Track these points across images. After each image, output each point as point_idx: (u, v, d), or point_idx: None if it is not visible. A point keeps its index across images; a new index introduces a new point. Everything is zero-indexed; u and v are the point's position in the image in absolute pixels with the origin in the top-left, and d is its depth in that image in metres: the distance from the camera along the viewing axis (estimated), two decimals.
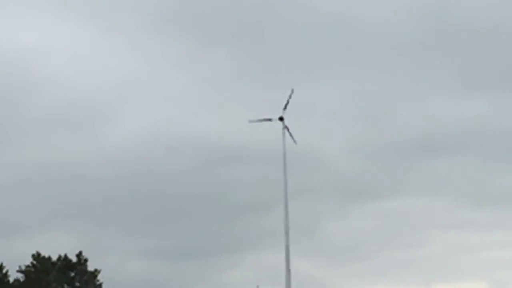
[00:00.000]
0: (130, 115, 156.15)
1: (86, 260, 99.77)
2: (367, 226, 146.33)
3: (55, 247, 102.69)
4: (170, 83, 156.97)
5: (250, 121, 69.91)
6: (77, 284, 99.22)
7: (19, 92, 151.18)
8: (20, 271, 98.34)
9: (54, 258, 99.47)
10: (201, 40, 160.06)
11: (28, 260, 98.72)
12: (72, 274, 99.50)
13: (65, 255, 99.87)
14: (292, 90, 68.49)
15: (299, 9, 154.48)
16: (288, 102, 68.76)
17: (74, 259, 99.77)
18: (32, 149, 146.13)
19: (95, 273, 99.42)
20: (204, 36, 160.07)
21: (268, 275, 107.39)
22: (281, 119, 69.12)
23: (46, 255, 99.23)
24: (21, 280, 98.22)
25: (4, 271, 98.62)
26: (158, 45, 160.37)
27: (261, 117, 70.02)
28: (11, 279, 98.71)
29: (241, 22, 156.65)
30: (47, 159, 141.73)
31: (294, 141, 69.03)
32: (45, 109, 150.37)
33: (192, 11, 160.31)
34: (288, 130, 69.09)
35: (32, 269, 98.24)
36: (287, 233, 65.71)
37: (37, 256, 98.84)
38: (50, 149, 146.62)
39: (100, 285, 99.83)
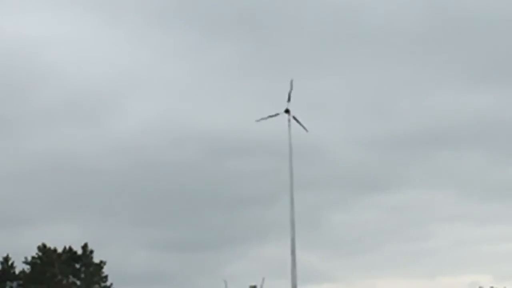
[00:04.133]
0: (135, 106, 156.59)
1: (91, 252, 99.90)
2: (372, 219, 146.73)
3: (61, 239, 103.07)
4: (175, 75, 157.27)
5: (257, 121, 69.60)
6: (83, 275, 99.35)
7: (24, 83, 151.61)
8: (26, 262, 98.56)
9: (60, 249, 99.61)
10: (207, 31, 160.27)
11: (34, 252, 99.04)
12: (78, 265, 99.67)
13: (71, 247, 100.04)
14: (292, 81, 68.31)
15: (305, 1, 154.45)
16: (290, 93, 68.59)
17: (80, 251, 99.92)
18: (37, 141, 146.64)
19: (100, 264, 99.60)
20: (209, 27, 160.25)
21: (273, 267, 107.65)
22: (287, 111, 68.95)
23: (52, 247, 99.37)
24: (27, 271, 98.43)
25: (10, 262, 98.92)
26: (164, 36, 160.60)
27: (267, 114, 69.72)
28: (17, 271, 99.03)
29: (247, 14, 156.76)
30: (52, 151, 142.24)
31: (305, 129, 68.82)
32: (50, 100, 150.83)
33: (197, 2, 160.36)
34: (296, 119, 68.82)
35: (38, 261, 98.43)
36: (292, 225, 65.64)
37: (42, 248, 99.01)
38: (55, 141, 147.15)
39: (106, 276, 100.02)
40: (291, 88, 68.14)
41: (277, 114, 69.08)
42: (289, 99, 68.66)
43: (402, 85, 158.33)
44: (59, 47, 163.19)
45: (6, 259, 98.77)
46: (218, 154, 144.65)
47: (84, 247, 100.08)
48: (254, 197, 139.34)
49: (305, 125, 69.36)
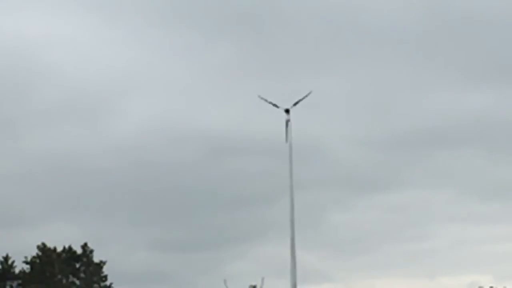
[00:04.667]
0: (134, 106, 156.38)
1: (91, 252, 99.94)
2: (372, 219, 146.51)
3: (61, 238, 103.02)
4: (174, 74, 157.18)
5: (260, 97, 69.64)
6: (82, 275, 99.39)
7: (22, 83, 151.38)
8: (25, 262, 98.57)
9: (60, 249, 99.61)
10: (206, 31, 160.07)
11: (34, 251, 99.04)
12: (78, 265, 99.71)
13: (70, 246, 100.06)
14: (310, 92, 68.40)
15: (305, 1, 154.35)
16: (300, 100, 68.67)
17: (79, 251, 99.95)
18: (37, 141, 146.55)
19: (100, 264, 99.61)
20: (209, 27, 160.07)
21: (273, 267, 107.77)
22: (287, 111, 69.00)
23: (52, 246, 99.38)
24: (27, 271, 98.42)
25: (9, 262, 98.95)
26: (163, 36, 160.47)
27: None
28: (16, 270, 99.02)
29: (247, 14, 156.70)
30: (52, 151, 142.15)
31: (286, 139, 68.43)
32: (49, 100, 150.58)
33: (197, 2, 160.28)
34: (286, 124, 68.77)
35: (38, 260, 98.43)
36: (292, 225, 65.68)
37: (42, 247, 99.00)
38: (55, 140, 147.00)
39: (105, 276, 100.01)
40: (304, 97, 68.32)
41: (277, 106, 69.15)
42: (295, 104, 68.77)
43: (402, 85, 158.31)
44: (59, 47, 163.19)
45: (6, 258, 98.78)
46: (217, 153, 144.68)
47: (84, 246, 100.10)
48: (254, 197, 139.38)
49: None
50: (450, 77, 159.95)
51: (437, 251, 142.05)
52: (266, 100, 69.19)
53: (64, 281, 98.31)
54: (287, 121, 68.65)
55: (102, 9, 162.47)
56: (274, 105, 69.11)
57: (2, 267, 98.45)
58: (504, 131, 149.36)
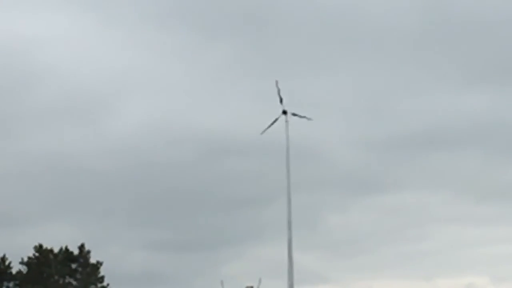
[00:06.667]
0: (131, 107, 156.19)
1: (88, 252, 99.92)
2: (369, 220, 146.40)
3: (57, 239, 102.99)
4: (172, 75, 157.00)
5: (262, 133, 69.85)
6: (79, 276, 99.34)
7: (20, 83, 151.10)
8: (22, 262, 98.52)
9: (56, 250, 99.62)
10: (204, 32, 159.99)
11: (31, 252, 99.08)
12: (74, 266, 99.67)
13: (67, 247, 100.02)
14: (277, 82, 68.60)
15: (303, 2, 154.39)
16: (279, 94, 68.80)
17: (76, 251, 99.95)
18: (34, 141, 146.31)
19: (97, 265, 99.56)
20: (207, 28, 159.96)
21: (270, 268, 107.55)
22: (284, 112, 69.07)
23: (48, 247, 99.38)
24: (24, 272, 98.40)
25: (6, 262, 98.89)
26: (161, 36, 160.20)
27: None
28: (13, 271, 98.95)
29: (245, 14, 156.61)
30: (49, 151, 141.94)
31: (308, 118, 68.83)
32: (47, 100, 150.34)
33: (195, 3, 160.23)
34: (296, 114, 68.96)
35: (35, 261, 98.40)
36: (289, 226, 65.70)
37: (39, 248, 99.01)
38: (51, 141, 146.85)
39: (102, 277, 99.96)
40: (278, 89, 68.45)
41: (276, 120, 69.21)
42: (281, 101, 68.83)
43: (400, 87, 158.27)
44: (56, 46, 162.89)
45: (3, 259, 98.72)
46: (215, 154, 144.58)
47: (81, 247, 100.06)
48: (251, 197, 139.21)
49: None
50: (448, 78, 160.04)
51: (434, 252, 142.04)
52: (267, 128, 69.22)
53: (61, 282, 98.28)
54: (293, 113, 68.72)
55: (99, 9, 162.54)
56: (274, 121, 69.11)
57: None
58: (501, 133, 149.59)
